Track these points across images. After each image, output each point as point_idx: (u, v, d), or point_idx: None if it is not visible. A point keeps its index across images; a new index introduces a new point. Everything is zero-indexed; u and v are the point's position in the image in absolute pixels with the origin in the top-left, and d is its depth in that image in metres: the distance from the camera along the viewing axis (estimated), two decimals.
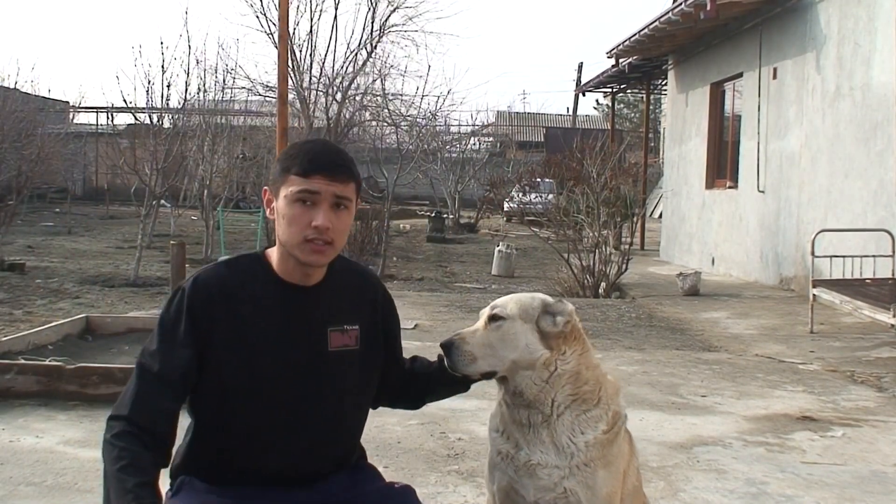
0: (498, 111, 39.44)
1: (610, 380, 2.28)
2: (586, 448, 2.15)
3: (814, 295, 8.05)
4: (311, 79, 18.25)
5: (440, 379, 2.34)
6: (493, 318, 2.20)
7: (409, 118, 20.16)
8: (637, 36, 14.42)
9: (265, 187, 2.20)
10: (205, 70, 15.64)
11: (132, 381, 2.09)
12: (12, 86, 15.46)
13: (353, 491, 2.23)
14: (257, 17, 18.67)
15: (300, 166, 2.10)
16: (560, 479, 2.14)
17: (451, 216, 24.75)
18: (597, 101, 47.33)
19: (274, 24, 16.70)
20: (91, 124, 30.56)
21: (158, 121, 13.07)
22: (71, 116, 25.19)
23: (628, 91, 24.54)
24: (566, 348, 2.19)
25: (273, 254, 2.20)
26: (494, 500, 2.27)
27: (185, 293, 2.13)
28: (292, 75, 16.63)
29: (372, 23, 18.68)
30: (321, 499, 2.19)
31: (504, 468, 2.22)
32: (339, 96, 18.44)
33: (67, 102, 24.42)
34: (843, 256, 8.41)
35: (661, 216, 19.46)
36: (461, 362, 2.16)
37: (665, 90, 19.69)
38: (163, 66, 12.82)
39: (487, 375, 2.20)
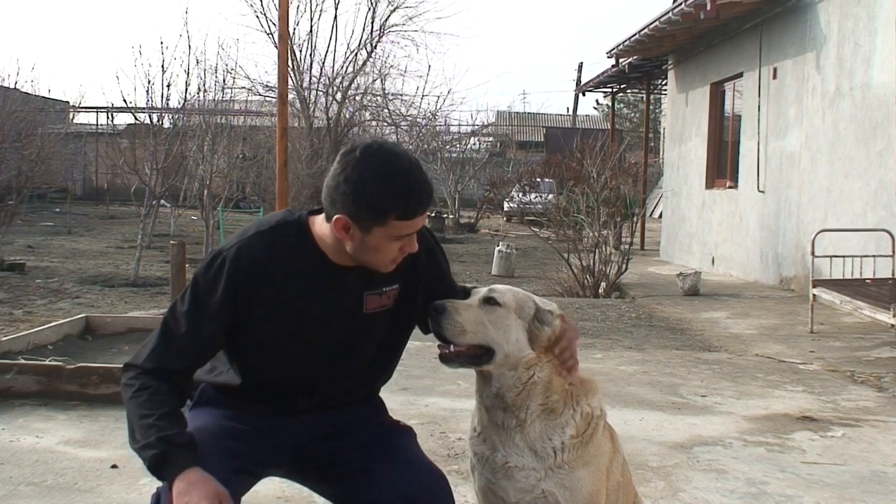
0: (498, 111, 39.49)
1: (585, 380, 2.28)
2: (554, 452, 2.16)
3: (814, 295, 8.05)
4: (311, 79, 18.30)
5: None
6: (488, 301, 2.19)
7: (409, 118, 20.19)
8: (637, 36, 14.41)
9: (339, 215, 2.04)
10: (205, 70, 15.61)
11: (154, 336, 2.13)
12: (12, 86, 15.41)
13: (357, 421, 2.31)
14: (257, 17, 18.79)
15: (403, 211, 2.02)
16: (537, 482, 2.16)
17: (451, 216, 24.75)
18: (597, 101, 47.32)
19: (274, 24, 16.74)
20: (91, 124, 30.53)
21: (158, 121, 13.06)
22: (71, 116, 25.13)
23: (628, 91, 24.53)
24: (544, 357, 2.20)
25: (320, 230, 2.14)
26: (477, 500, 2.30)
27: (227, 264, 2.10)
28: (292, 75, 16.66)
29: (372, 23, 18.76)
30: (325, 423, 2.28)
31: (481, 470, 2.24)
32: (339, 96, 18.48)
33: (67, 102, 24.36)
34: (843, 256, 8.41)
35: (661, 216, 19.45)
36: (450, 330, 2.12)
37: (665, 90, 19.68)
38: (163, 66, 12.83)
39: (474, 360, 2.16)
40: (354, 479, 2.20)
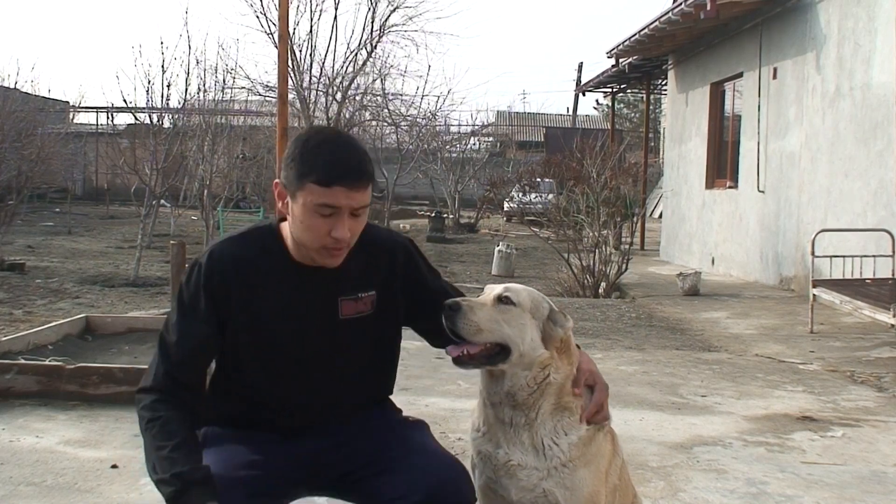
0: (498, 111, 39.43)
1: None
2: (561, 452, 2.16)
3: (814, 295, 8.05)
4: (311, 79, 18.27)
5: None
6: (502, 300, 2.17)
7: (409, 118, 20.19)
8: (637, 36, 14.42)
9: (276, 180, 2.15)
10: (205, 70, 15.62)
11: (155, 355, 2.19)
12: (12, 86, 15.42)
13: (368, 424, 2.31)
14: (257, 17, 18.70)
15: (319, 175, 2.04)
16: (539, 481, 2.16)
17: (451, 216, 24.73)
18: (597, 101, 47.27)
19: (274, 24, 16.71)
20: (91, 124, 30.53)
21: (158, 121, 13.06)
22: (71, 116, 25.13)
23: (628, 91, 24.54)
24: (559, 360, 2.20)
25: (286, 232, 2.21)
26: (478, 499, 2.29)
27: (202, 268, 2.18)
28: (292, 75, 16.63)
29: (372, 23, 18.71)
30: (337, 433, 2.28)
31: (482, 468, 2.23)
32: (339, 96, 18.46)
33: (67, 102, 24.36)
34: (843, 256, 8.41)
35: (661, 216, 19.45)
36: (466, 329, 2.11)
37: (665, 90, 19.68)
38: (163, 66, 12.82)
39: (489, 359, 2.15)
40: (377, 481, 2.19)
